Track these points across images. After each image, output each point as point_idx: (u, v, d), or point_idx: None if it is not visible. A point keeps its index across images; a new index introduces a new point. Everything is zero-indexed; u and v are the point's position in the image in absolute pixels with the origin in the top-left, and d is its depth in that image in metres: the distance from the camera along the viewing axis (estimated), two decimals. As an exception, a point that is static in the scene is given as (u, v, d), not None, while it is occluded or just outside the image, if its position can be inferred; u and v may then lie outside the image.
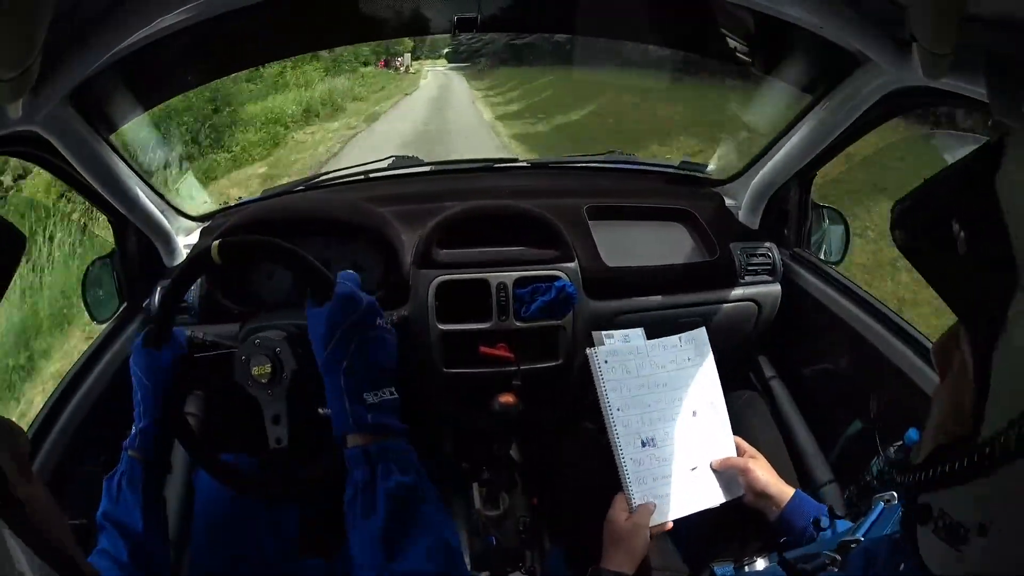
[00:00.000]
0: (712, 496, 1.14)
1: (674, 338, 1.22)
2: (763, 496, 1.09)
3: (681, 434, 1.15)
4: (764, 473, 1.11)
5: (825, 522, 0.96)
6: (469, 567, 1.37)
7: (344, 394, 0.79)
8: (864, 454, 1.19)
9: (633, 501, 1.08)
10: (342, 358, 0.80)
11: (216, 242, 0.89)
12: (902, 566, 0.59)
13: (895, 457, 1.06)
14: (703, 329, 1.24)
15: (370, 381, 0.81)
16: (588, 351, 1.17)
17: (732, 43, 1.32)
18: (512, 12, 1.49)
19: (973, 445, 0.43)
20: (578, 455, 1.36)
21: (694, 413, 1.18)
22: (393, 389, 0.83)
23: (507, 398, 1.30)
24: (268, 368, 0.97)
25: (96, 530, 0.89)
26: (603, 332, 1.21)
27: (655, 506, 1.07)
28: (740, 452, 1.18)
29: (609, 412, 1.13)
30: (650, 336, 1.21)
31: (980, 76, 0.70)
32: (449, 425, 1.57)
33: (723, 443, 1.19)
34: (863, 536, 0.78)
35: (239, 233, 1.37)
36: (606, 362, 1.16)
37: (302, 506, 1.20)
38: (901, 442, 1.06)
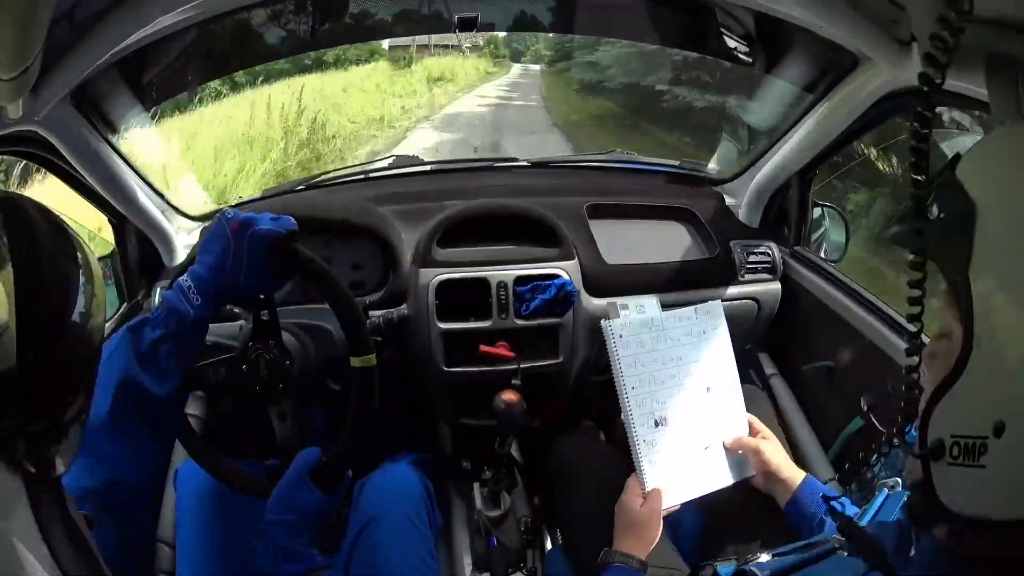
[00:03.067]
0: (723, 477, 1.13)
1: (689, 309, 1.18)
2: (774, 479, 1.08)
3: (694, 412, 1.13)
4: (776, 454, 1.10)
5: (840, 506, 0.96)
6: (470, 567, 1.37)
7: (279, 552, 0.90)
8: (864, 451, 1.19)
9: (646, 483, 1.07)
10: (286, 533, 0.91)
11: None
12: (912, 552, 0.61)
13: (894, 453, 1.06)
14: (719, 302, 1.21)
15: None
16: (603, 323, 1.12)
17: (733, 43, 1.32)
18: (512, 12, 1.49)
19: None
20: (579, 453, 1.36)
21: (708, 389, 1.15)
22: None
23: (510, 396, 1.29)
24: (268, 372, 0.97)
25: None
26: (618, 302, 1.17)
27: (667, 489, 1.07)
28: (752, 432, 1.17)
29: (624, 391, 1.10)
30: None
31: (980, 76, 0.70)
32: (450, 424, 1.58)
33: (736, 421, 1.17)
34: (868, 522, 0.79)
35: None
36: (621, 336, 1.11)
37: None
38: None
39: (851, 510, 0.96)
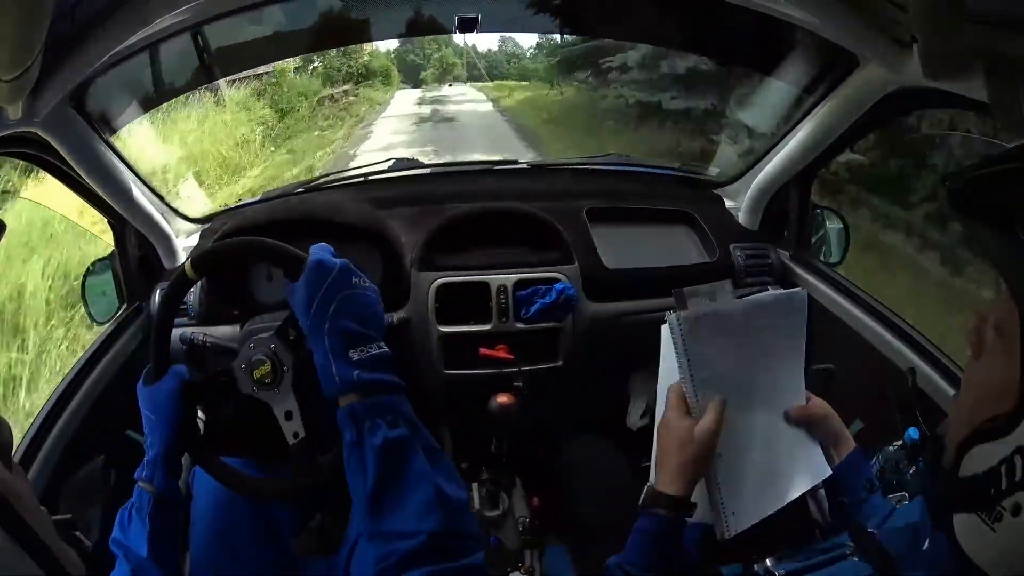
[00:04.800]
0: (796, 485, 0.97)
1: (767, 296, 0.96)
2: (834, 443, 1.02)
3: (767, 416, 0.96)
4: (838, 420, 1.03)
5: (876, 483, 0.96)
6: None
7: (329, 354, 0.78)
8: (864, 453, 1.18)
9: (727, 517, 0.89)
10: (323, 321, 0.80)
11: (188, 260, 0.91)
12: (927, 543, 0.61)
13: (894, 456, 1.06)
14: (804, 292, 0.98)
15: (354, 338, 0.80)
16: (668, 316, 0.88)
17: (734, 44, 1.32)
18: (512, 12, 1.49)
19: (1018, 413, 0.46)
20: (578, 456, 1.36)
21: (779, 393, 0.97)
22: (381, 344, 0.82)
23: (504, 398, 1.30)
24: (268, 367, 0.97)
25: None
26: (686, 289, 0.89)
27: (744, 510, 0.90)
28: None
29: (691, 396, 0.87)
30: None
31: (980, 76, 0.70)
32: (449, 426, 1.57)
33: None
34: (876, 529, 0.79)
35: (239, 236, 1.37)
36: (690, 331, 0.86)
37: (296, 508, 1.20)
38: (901, 441, 1.06)
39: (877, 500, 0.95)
